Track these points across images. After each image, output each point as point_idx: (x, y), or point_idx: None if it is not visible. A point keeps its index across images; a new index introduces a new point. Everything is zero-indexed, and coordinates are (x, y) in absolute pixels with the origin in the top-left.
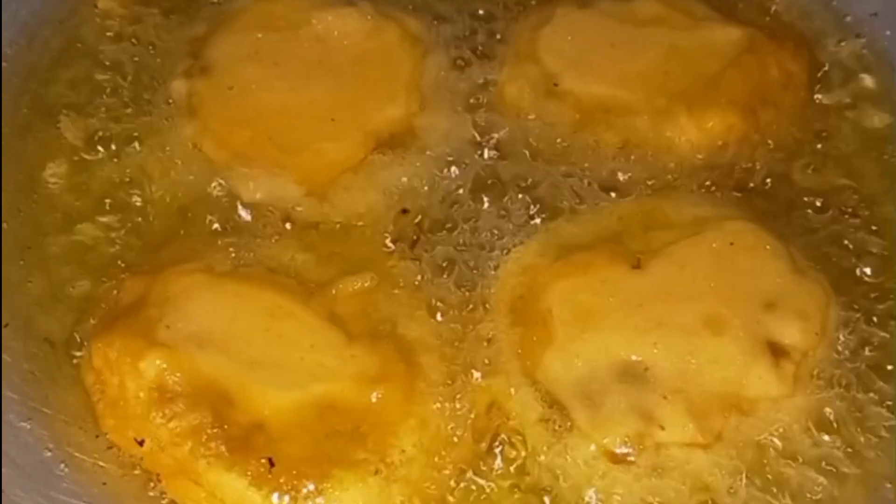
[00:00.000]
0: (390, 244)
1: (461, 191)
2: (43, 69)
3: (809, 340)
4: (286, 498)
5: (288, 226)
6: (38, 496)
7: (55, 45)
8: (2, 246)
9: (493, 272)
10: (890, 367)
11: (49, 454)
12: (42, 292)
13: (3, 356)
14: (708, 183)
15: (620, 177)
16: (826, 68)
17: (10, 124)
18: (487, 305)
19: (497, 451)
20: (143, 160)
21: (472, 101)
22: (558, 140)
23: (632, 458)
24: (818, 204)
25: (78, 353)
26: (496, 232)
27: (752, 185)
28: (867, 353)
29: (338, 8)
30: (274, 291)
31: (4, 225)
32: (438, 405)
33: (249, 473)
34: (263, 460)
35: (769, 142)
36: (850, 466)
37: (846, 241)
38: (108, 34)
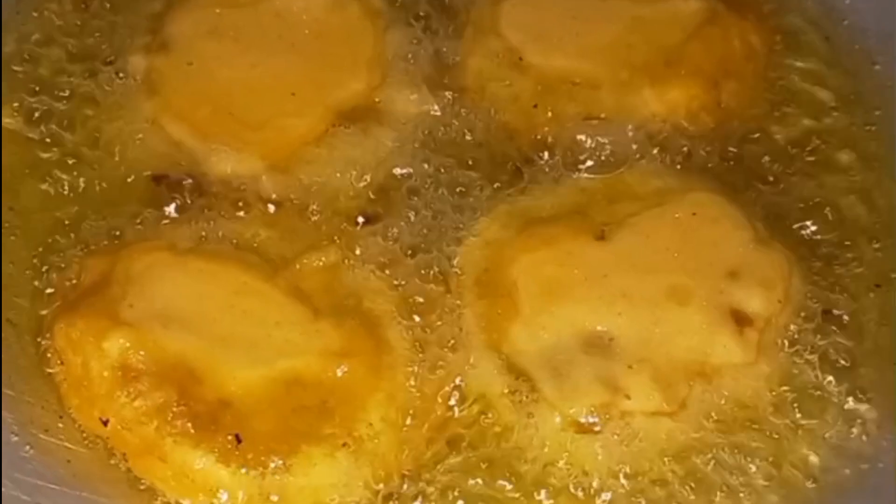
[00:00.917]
0: (353, 219)
1: (424, 164)
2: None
3: (772, 308)
4: (254, 473)
5: (251, 202)
6: (5, 479)
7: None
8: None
9: (457, 246)
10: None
11: (14, 438)
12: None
13: None
14: (671, 154)
15: (584, 149)
16: (785, 37)
17: None
18: (452, 279)
19: (464, 421)
20: (102, 136)
21: (433, 74)
22: (521, 113)
23: (598, 428)
24: (779, 173)
25: (39, 335)
26: (459, 205)
27: (714, 156)
28: (830, 319)
29: None
30: (238, 268)
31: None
32: (405, 379)
33: (216, 450)
34: (230, 437)
35: (731, 113)
36: (813, 431)
37: (807, 211)
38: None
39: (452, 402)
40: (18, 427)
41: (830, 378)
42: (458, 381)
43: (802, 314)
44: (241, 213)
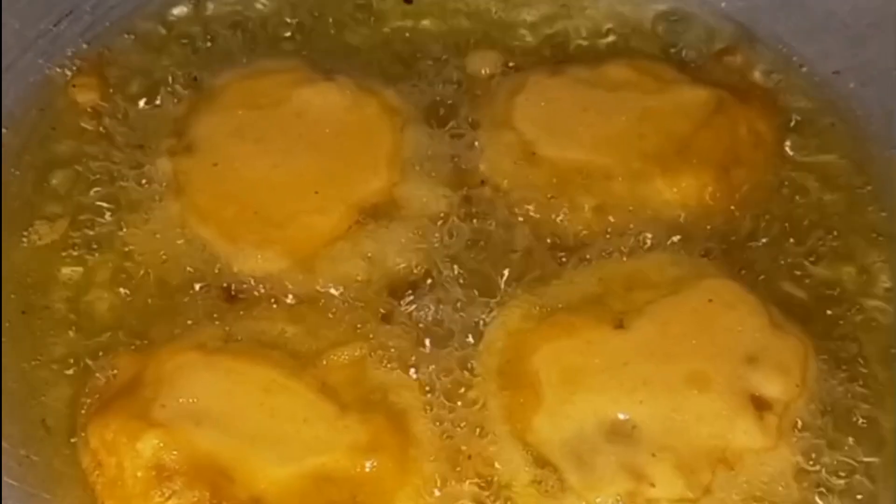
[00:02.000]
0: (377, 313)
1: (444, 258)
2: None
3: (791, 392)
4: None
5: (277, 299)
6: None
7: (40, 130)
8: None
9: (479, 338)
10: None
11: None
12: (35, 375)
13: (2, 444)
14: (684, 242)
15: (599, 239)
16: (793, 124)
17: None
18: (475, 370)
19: None
20: (130, 239)
21: (451, 169)
22: (536, 205)
23: None
24: (792, 258)
25: (74, 437)
26: (480, 298)
27: (727, 242)
28: (847, 401)
29: (318, 84)
30: (267, 366)
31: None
32: (432, 471)
33: None
34: None
35: (742, 200)
36: None
37: (826, 292)
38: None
39: (479, 492)
40: None
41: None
42: (484, 471)
43: (820, 396)
44: (268, 311)
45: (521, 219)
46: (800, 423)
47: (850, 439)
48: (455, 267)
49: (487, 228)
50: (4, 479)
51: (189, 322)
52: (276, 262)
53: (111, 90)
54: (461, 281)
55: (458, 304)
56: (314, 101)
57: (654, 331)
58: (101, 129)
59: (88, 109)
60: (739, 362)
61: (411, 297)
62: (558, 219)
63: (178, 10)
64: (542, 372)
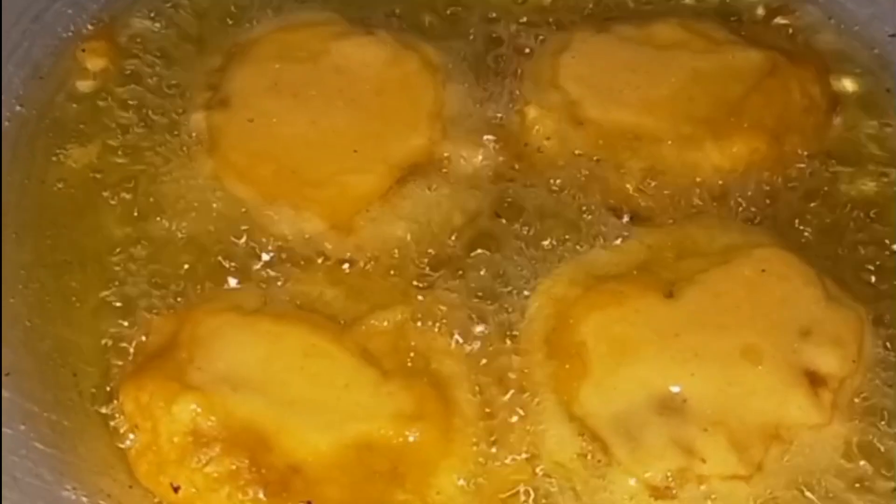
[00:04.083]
0: (418, 276)
1: (487, 220)
2: (58, 105)
3: (846, 368)
4: None
5: (316, 261)
6: None
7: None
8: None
9: (523, 303)
10: None
11: None
12: (68, 338)
13: (32, 406)
14: (735, 209)
15: (647, 204)
16: (847, 89)
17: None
18: (520, 338)
19: (536, 486)
20: (165, 197)
21: (494, 128)
22: (583, 167)
23: (674, 492)
24: (849, 226)
25: (106, 401)
26: (524, 262)
27: (779, 210)
28: None
29: (357, 37)
30: (306, 329)
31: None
32: (476, 441)
33: None
34: None
35: (794, 165)
36: (890, 492)
37: (877, 264)
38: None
39: (524, 464)
40: (88, 498)
41: None
42: (529, 443)
43: (876, 372)
44: (306, 273)
45: (565, 181)
46: (856, 399)
47: None
48: (497, 230)
49: (530, 191)
50: (36, 444)
51: (225, 284)
52: (313, 223)
53: (146, 42)
54: (504, 245)
55: (502, 270)
56: (353, 56)
57: (706, 301)
58: (135, 81)
59: (123, 64)
60: (794, 335)
61: (453, 261)
62: (604, 183)
63: None
64: (590, 341)
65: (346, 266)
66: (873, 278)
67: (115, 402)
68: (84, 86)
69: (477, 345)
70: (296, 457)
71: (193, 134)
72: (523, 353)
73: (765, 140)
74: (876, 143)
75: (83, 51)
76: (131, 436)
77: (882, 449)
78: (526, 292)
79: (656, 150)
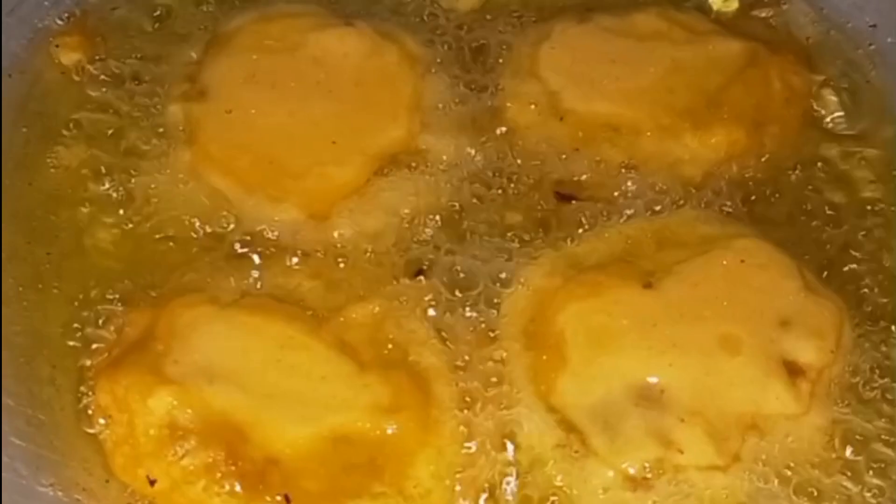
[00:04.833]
0: (396, 268)
1: (466, 212)
2: (33, 98)
3: (825, 358)
4: None
5: (293, 252)
6: None
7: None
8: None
9: (502, 294)
10: None
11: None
12: (42, 331)
13: (6, 401)
14: (714, 199)
15: (627, 195)
16: (826, 79)
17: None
18: (498, 329)
19: (514, 478)
20: (142, 189)
21: (473, 119)
22: (561, 158)
23: (651, 483)
24: (827, 216)
25: (81, 393)
26: (502, 254)
27: (758, 201)
28: (882, 369)
29: (336, 28)
30: (283, 321)
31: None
32: (453, 433)
33: None
34: (279, 497)
35: (773, 156)
36: (868, 482)
37: (857, 254)
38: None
39: (501, 456)
40: (64, 492)
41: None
42: (507, 434)
43: (854, 362)
44: (283, 264)
45: (544, 172)
46: (834, 389)
47: (885, 407)
48: (476, 221)
49: (510, 182)
50: (11, 439)
51: (201, 275)
52: (292, 214)
53: (121, 35)
54: (482, 236)
55: (480, 260)
56: (332, 47)
57: (685, 291)
58: (110, 73)
59: (98, 57)
60: (772, 326)
61: (431, 252)
62: (584, 173)
63: None
64: (568, 332)
65: (323, 257)
66: (853, 267)
67: (91, 395)
68: (59, 79)
69: (454, 336)
70: (273, 449)
71: (171, 125)
72: (501, 345)
73: (745, 131)
74: (854, 132)
75: (56, 46)
76: (107, 429)
77: (860, 438)
78: (504, 283)
79: (636, 140)
